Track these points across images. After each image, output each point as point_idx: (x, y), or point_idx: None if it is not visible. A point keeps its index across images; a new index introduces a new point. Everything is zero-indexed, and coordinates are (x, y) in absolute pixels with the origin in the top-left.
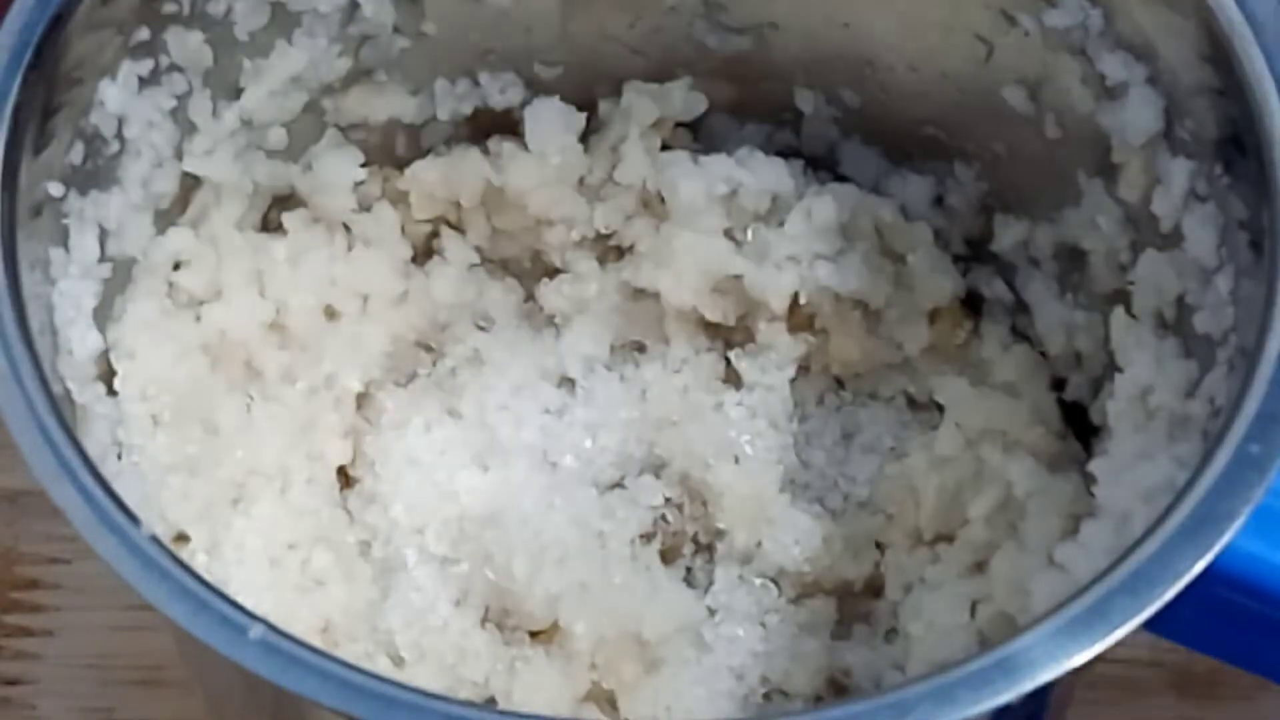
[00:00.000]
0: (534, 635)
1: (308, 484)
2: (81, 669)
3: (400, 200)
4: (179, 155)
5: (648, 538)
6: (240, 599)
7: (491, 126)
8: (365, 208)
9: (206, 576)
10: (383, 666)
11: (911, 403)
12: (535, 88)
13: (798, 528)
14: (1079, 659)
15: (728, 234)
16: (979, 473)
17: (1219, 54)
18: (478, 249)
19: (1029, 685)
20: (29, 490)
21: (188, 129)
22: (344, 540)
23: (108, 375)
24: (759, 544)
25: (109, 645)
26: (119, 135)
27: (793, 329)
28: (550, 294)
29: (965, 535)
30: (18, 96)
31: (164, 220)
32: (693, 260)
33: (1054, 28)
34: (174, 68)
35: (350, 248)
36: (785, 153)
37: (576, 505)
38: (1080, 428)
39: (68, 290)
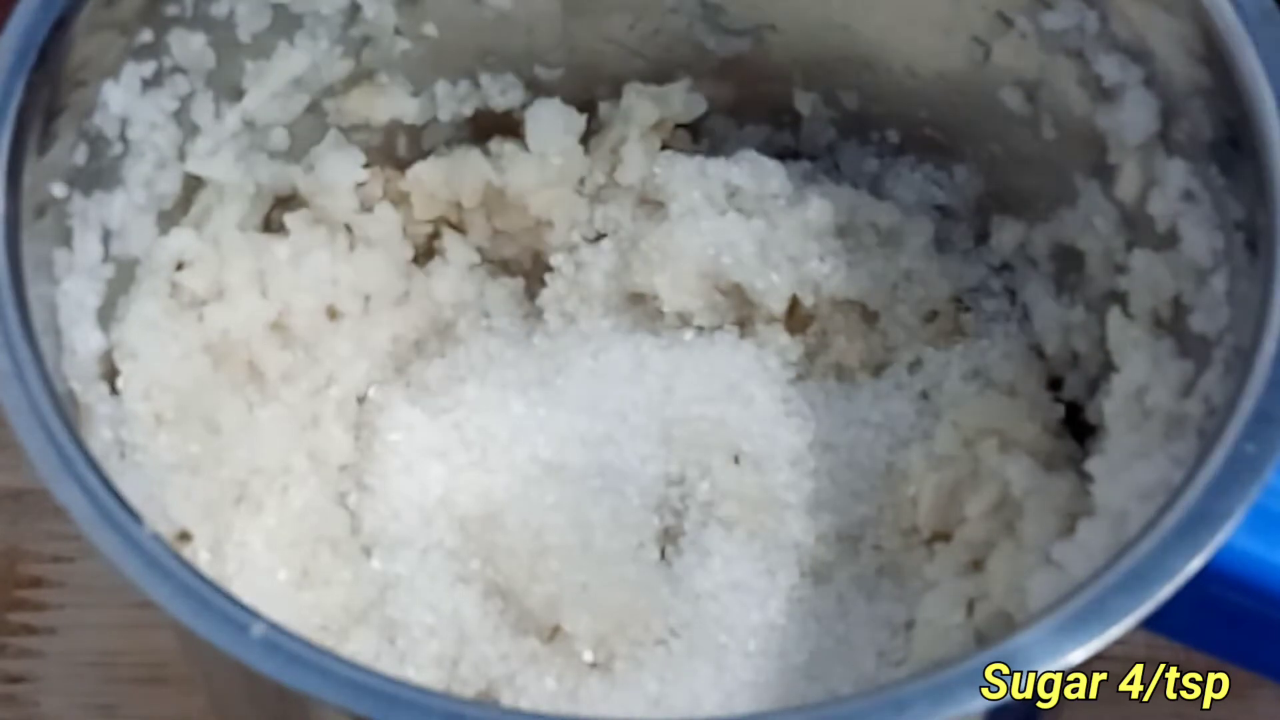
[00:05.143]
0: (535, 633)
1: (310, 483)
2: (85, 667)
3: (401, 201)
4: (182, 156)
5: (649, 535)
6: (242, 597)
7: (492, 128)
8: (367, 208)
9: (209, 575)
10: (384, 665)
11: (909, 402)
12: (536, 89)
13: (798, 526)
14: (1076, 657)
15: (727, 235)
16: (976, 472)
17: (1215, 55)
18: (479, 249)
19: None
20: (32, 489)
21: (190, 130)
22: (345, 539)
23: (110, 375)
24: (759, 542)
25: (112, 643)
26: (122, 136)
27: (791, 330)
28: (550, 294)
29: (963, 534)
30: (22, 98)
31: (167, 221)
32: (692, 261)
33: (1051, 29)
34: (177, 69)
35: (352, 248)
36: (784, 154)
37: (576, 505)
38: (1077, 427)
39: (71, 290)
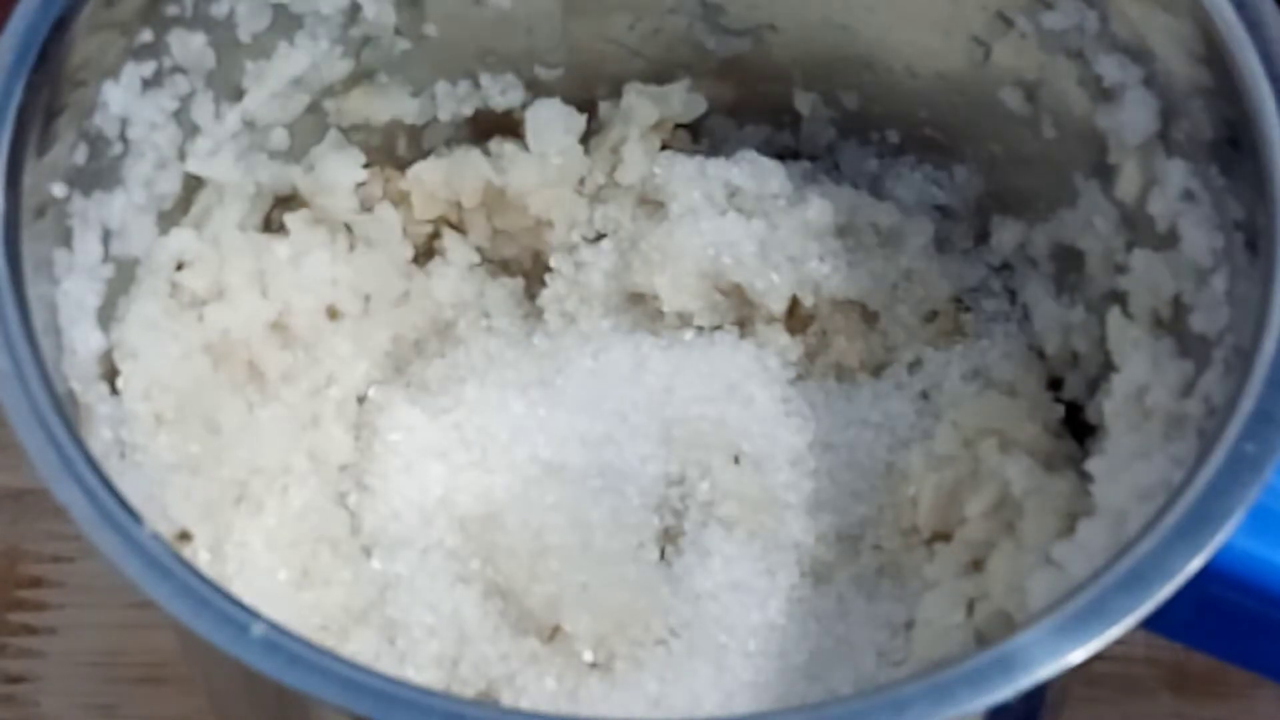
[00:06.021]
0: (535, 633)
1: (310, 483)
2: (85, 666)
3: (401, 201)
4: (182, 156)
5: (648, 535)
6: (242, 597)
7: (492, 128)
8: (367, 208)
9: (208, 575)
10: (384, 665)
11: (909, 402)
12: (536, 89)
13: (798, 526)
14: (1076, 657)
15: (727, 235)
16: (976, 472)
17: (1215, 55)
18: (478, 249)
19: (1026, 683)
20: (32, 489)
21: (190, 130)
22: (345, 539)
23: (110, 375)
24: (759, 542)
25: (112, 643)
26: (122, 136)
27: (791, 330)
28: (550, 294)
29: (962, 534)
30: (22, 98)
31: (167, 221)
32: (692, 262)
33: (1051, 29)
34: (177, 69)
35: (352, 248)
36: (784, 154)
37: (576, 505)
38: (1077, 427)
39: (71, 290)
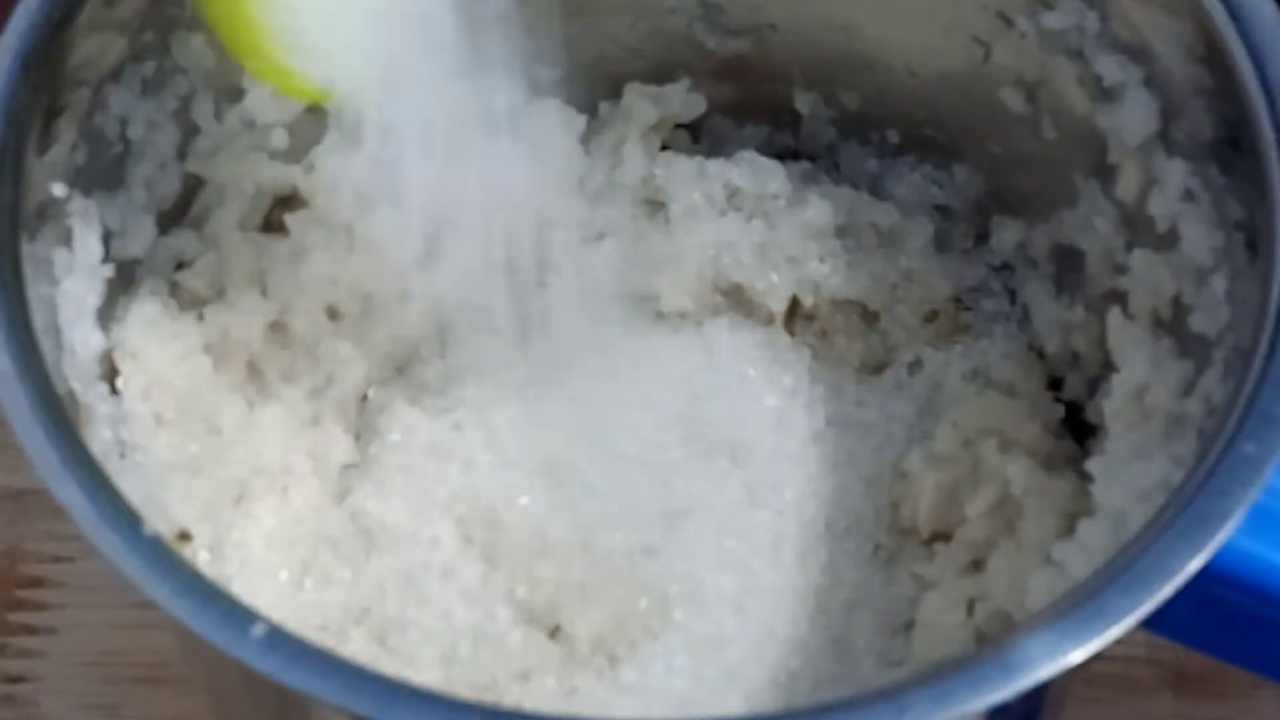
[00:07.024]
0: (536, 633)
1: (310, 483)
2: (84, 667)
3: None
4: (182, 156)
5: (649, 535)
6: (242, 597)
7: None
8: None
9: (209, 575)
10: (384, 665)
11: (909, 402)
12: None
13: (797, 525)
14: (1076, 657)
15: (727, 235)
16: (976, 472)
17: (1215, 55)
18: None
19: (1026, 683)
20: (32, 489)
21: (191, 130)
22: (345, 539)
23: (111, 375)
24: (759, 541)
25: (112, 643)
26: (122, 136)
27: (791, 330)
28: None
29: (962, 534)
30: (22, 98)
31: (167, 221)
32: (692, 262)
33: (1051, 29)
34: (177, 70)
35: (352, 248)
36: (784, 154)
37: (576, 504)
38: (1077, 427)
39: (71, 290)
